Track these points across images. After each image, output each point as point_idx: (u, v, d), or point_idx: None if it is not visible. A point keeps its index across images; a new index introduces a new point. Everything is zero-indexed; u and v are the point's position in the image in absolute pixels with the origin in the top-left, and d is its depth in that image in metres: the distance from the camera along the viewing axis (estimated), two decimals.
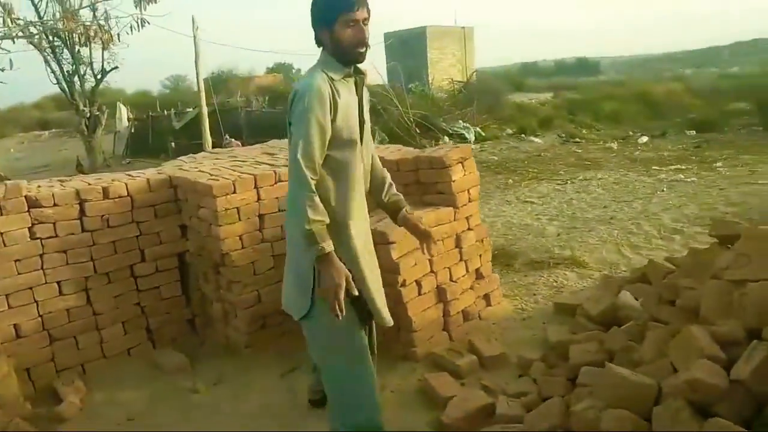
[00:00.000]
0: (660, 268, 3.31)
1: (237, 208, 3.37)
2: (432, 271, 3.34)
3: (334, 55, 2.02)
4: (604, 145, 11.82)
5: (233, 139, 11.90)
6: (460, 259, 3.54)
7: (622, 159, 9.71)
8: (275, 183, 3.52)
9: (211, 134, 13.96)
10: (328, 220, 1.90)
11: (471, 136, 14.26)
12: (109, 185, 3.48)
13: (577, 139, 12.98)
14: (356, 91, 2.12)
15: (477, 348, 3.19)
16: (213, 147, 11.97)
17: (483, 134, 14.31)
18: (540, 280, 4.23)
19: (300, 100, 1.94)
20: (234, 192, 3.35)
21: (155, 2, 6.79)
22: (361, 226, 2.12)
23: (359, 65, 2.10)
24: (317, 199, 1.88)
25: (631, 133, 13.23)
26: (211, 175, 3.54)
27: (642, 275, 3.43)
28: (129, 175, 3.78)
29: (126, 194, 3.51)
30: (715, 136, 11.52)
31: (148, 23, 6.89)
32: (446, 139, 13.94)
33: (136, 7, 6.74)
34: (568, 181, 8.17)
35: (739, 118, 13.39)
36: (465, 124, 14.93)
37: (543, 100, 19.85)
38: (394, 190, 2.33)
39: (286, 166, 2.66)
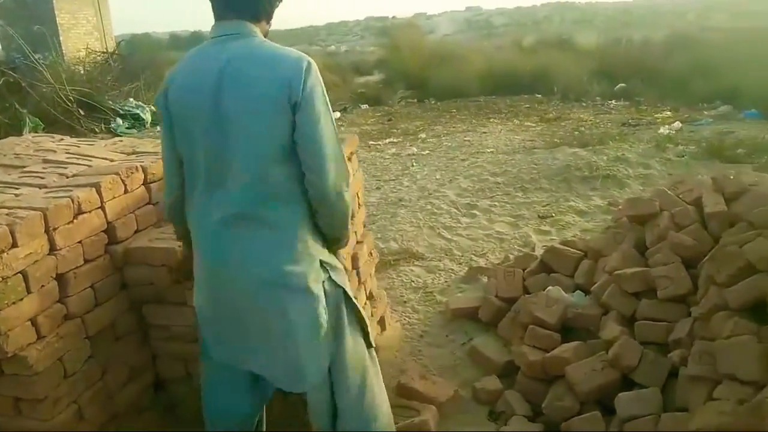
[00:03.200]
0: (567, 254, 3.15)
1: (22, 272, 1.84)
2: None
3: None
4: None
5: None
6: (359, 283, 2.73)
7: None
8: (74, 219, 2.06)
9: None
10: None
11: (147, 117, 12.34)
12: None
13: None
14: None
15: (421, 392, 2.50)
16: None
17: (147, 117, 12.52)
18: (395, 283, 3.69)
19: (318, 83, 1.54)
20: (14, 246, 1.81)
21: None
22: None
23: None
24: None
25: None
26: None
27: (541, 264, 3.22)
28: None
29: None
30: (386, 109, 12.37)
31: None
32: (119, 120, 11.79)
33: None
34: None
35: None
36: (138, 103, 12.86)
37: None
38: None
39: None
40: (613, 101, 10.21)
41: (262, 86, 1.47)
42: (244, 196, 1.51)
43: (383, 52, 17.44)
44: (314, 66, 1.53)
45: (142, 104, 12.72)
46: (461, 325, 3.13)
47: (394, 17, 47.38)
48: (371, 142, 8.24)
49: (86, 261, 2.10)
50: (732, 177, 2.77)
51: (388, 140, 8.34)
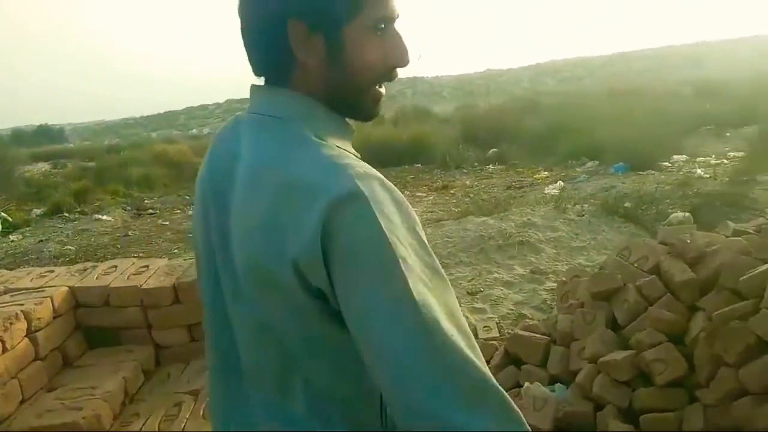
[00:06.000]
0: (533, 341, 2.87)
1: None
2: None
3: (334, 97, 0.86)
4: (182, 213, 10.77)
5: None
6: None
7: None
8: None
9: None
10: None
11: None
12: None
13: (151, 210, 11.41)
14: None
15: None
16: None
17: (11, 220, 10.94)
18: None
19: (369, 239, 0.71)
20: None
21: None
22: None
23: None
24: None
25: (188, 197, 12.56)
26: None
27: (506, 355, 2.91)
28: None
29: None
30: None
31: None
32: None
33: None
34: None
35: None
36: None
37: (42, 170, 17.09)
38: None
39: None
40: (490, 166, 10.63)
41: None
42: None
43: None
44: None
45: None
46: None
47: None
48: None
49: None
50: (689, 240, 2.71)
51: None
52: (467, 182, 9.25)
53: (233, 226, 0.83)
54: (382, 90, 0.87)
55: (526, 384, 2.62)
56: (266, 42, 0.83)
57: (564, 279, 3.51)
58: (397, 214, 0.73)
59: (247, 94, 0.90)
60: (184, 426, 1.96)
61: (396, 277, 0.69)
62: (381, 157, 11.98)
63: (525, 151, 10.92)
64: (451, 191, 8.60)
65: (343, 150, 0.82)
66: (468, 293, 4.47)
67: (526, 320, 3.64)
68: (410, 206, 0.77)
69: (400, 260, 0.69)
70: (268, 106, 0.86)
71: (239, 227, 0.82)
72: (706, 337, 2.19)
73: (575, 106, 14.29)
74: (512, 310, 4.15)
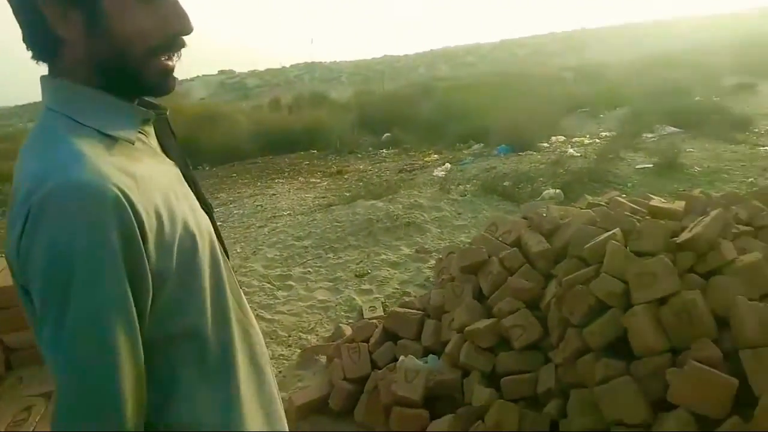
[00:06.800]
0: (408, 317, 2.95)
1: None
2: None
3: (107, 73, 0.80)
4: None
5: None
6: None
7: None
8: None
9: None
10: None
11: None
12: None
13: None
14: (163, 148, 0.91)
15: None
16: None
17: None
18: None
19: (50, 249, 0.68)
20: None
21: None
22: None
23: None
24: None
25: None
26: None
27: (384, 332, 2.98)
28: None
29: None
30: None
31: None
32: None
33: None
34: None
35: None
36: None
37: None
38: None
39: None
40: (384, 150, 10.78)
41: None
42: None
43: None
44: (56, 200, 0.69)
45: None
46: (314, 423, 2.73)
47: None
48: None
49: None
50: (545, 214, 2.91)
51: None
52: (361, 167, 9.32)
53: None
54: (170, 62, 0.83)
55: (401, 358, 2.71)
56: (27, 23, 0.78)
57: (441, 256, 3.65)
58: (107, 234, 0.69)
59: None
60: (34, 428, 1.85)
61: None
62: (276, 143, 11.81)
63: (418, 136, 11.16)
64: (345, 176, 8.63)
65: (95, 137, 0.76)
66: (356, 276, 4.53)
67: (404, 298, 3.76)
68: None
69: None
70: (45, 96, 0.81)
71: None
72: (556, 301, 2.37)
73: (465, 91, 14.78)
74: (397, 288, 4.26)
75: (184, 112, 12.87)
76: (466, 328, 2.59)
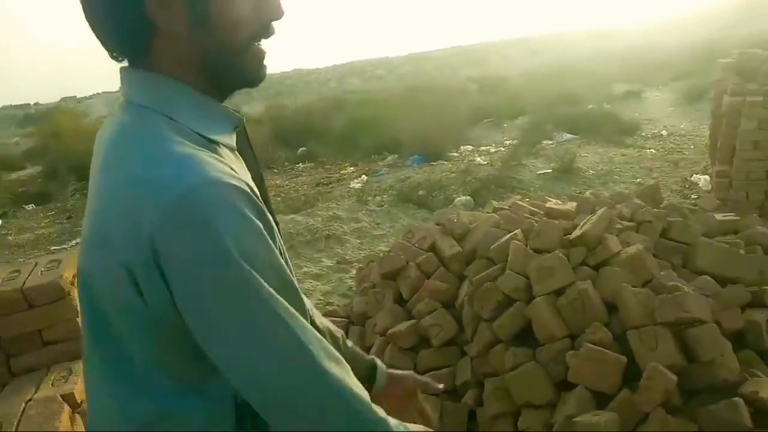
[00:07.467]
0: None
1: None
2: None
3: (211, 66, 0.76)
4: None
5: None
6: None
7: None
8: None
9: None
10: None
11: None
12: None
13: None
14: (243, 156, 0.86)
15: None
16: None
17: None
18: None
19: (204, 244, 0.65)
20: None
21: None
22: None
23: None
24: None
25: None
26: None
27: None
28: None
29: None
30: (60, 206, 10.88)
31: None
32: None
33: None
34: None
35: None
36: None
37: None
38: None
39: None
40: (300, 164, 10.82)
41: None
42: None
43: (34, 141, 15.37)
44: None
45: None
46: None
47: (36, 104, 42.06)
48: (53, 248, 6.99)
49: None
50: (456, 220, 3.12)
51: (75, 242, 7.18)
52: (278, 182, 9.32)
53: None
54: (264, 48, 0.79)
55: None
56: (119, 13, 0.71)
57: (362, 266, 3.79)
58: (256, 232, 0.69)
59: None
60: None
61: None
62: None
63: (333, 149, 11.29)
64: None
65: (201, 149, 0.71)
66: None
67: (328, 308, 3.86)
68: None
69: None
70: (132, 90, 0.76)
71: (82, 235, 0.77)
72: (468, 299, 2.57)
73: (377, 104, 15.11)
74: (321, 299, 4.35)
75: (86, 132, 12.31)
76: (389, 331, 2.74)
